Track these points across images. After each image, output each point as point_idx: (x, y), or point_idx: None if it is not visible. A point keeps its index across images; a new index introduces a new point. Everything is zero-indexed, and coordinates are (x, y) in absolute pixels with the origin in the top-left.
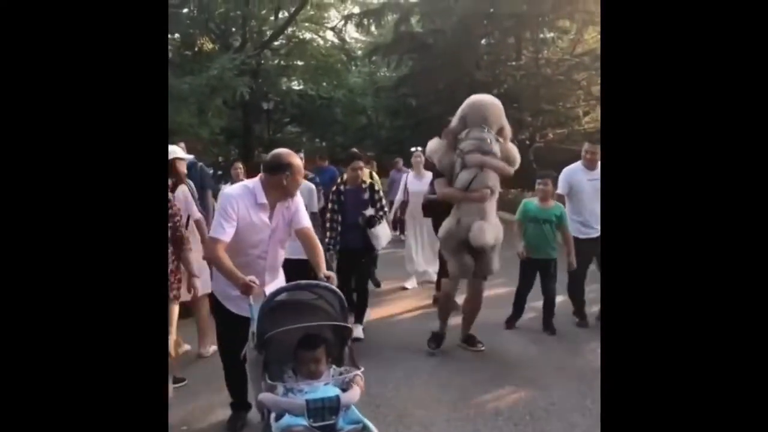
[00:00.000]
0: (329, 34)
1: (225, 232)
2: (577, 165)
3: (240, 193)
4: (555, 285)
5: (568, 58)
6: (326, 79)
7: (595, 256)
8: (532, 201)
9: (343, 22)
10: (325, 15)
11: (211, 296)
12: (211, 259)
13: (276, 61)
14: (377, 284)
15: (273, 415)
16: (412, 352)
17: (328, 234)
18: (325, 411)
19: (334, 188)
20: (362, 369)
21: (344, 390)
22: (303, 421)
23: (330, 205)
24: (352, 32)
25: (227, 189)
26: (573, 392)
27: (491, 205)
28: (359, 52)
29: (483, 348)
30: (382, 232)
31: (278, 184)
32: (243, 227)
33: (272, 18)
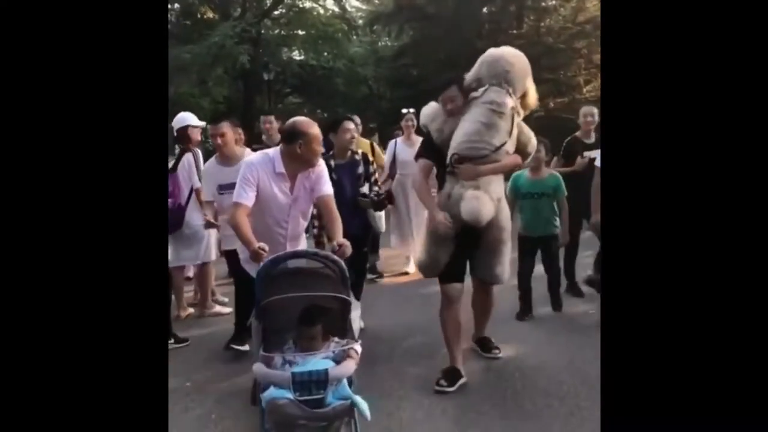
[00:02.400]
0: (330, 3)
1: (246, 197)
2: None
3: (260, 160)
4: (558, 262)
5: (570, 26)
6: (327, 49)
7: None
8: (522, 174)
9: None
10: None
11: (229, 255)
12: (231, 223)
13: (276, 31)
14: (380, 274)
15: (262, 386)
16: (405, 314)
17: (317, 222)
18: (312, 385)
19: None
20: (359, 341)
21: (340, 363)
22: (289, 395)
23: None
24: (352, 1)
25: (249, 157)
26: (563, 353)
27: (495, 178)
28: (360, 22)
29: (500, 354)
30: (379, 212)
31: (293, 153)
32: (263, 196)
33: None
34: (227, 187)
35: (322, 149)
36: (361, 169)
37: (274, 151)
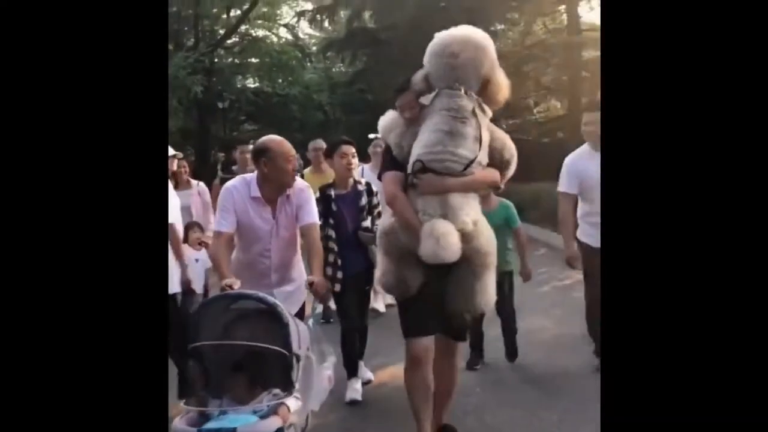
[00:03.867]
0: (282, 31)
1: (225, 224)
2: (583, 150)
3: (236, 185)
4: (513, 303)
5: (518, 49)
6: (281, 76)
7: None
8: None
9: (296, 18)
10: (278, 12)
11: None
12: (210, 253)
13: (230, 59)
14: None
15: None
16: (387, 331)
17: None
18: None
19: (318, 195)
20: (295, 395)
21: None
22: None
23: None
24: (305, 28)
25: (228, 183)
26: (524, 369)
27: (466, 199)
28: (314, 48)
29: None
30: None
31: (262, 173)
32: (242, 222)
33: (224, 16)
34: None
35: (293, 167)
36: (364, 201)
37: (251, 175)
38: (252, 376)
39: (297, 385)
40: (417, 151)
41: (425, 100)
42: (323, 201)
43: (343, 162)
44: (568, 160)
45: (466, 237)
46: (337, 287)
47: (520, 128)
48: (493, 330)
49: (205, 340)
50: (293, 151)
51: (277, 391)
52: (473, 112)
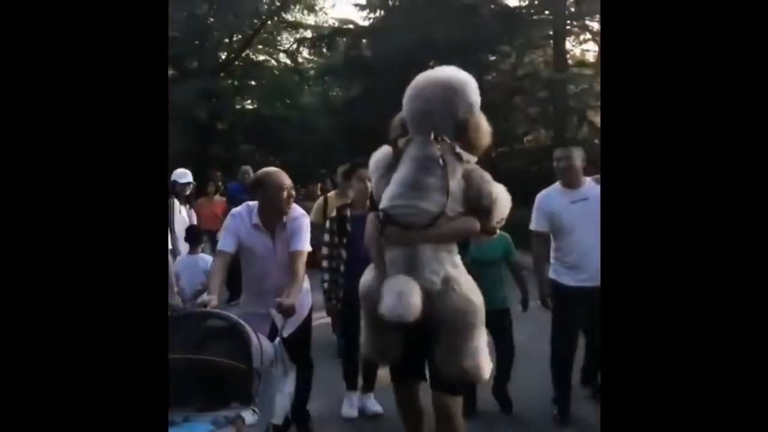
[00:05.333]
0: (282, 56)
1: (226, 244)
2: (554, 188)
3: (241, 211)
4: (512, 342)
5: (508, 81)
6: (280, 99)
7: (591, 315)
8: None
9: (296, 45)
10: (278, 38)
11: None
12: (210, 270)
13: (230, 81)
14: None
15: None
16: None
17: (327, 277)
18: None
19: (335, 214)
20: (252, 409)
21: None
22: None
23: (328, 238)
24: (304, 53)
25: (234, 209)
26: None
27: (436, 253)
28: (311, 73)
29: None
30: None
31: (259, 202)
32: (245, 246)
33: (226, 41)
34: None
35: (287, 196)
36: None
37: (255, 203)
38: (215, 389)
39: (256, 400)
40: (383, 202)
41: (400, 144)
42: (339, 221)
43: (360, 185)
44: (539, 197)
45: (432, 297)
46: (339, 306)
47: (510, 156)
48: None
49: (176, 352)
50: (288, 182)
51: (236, 404)
52: (441, 160)
